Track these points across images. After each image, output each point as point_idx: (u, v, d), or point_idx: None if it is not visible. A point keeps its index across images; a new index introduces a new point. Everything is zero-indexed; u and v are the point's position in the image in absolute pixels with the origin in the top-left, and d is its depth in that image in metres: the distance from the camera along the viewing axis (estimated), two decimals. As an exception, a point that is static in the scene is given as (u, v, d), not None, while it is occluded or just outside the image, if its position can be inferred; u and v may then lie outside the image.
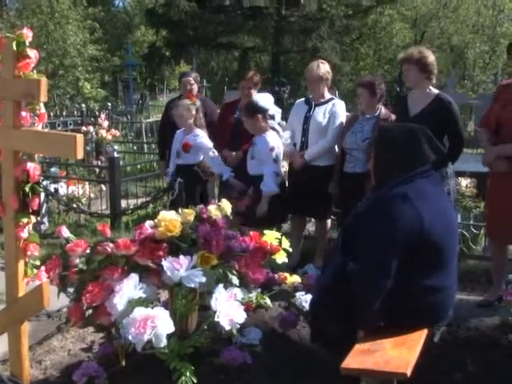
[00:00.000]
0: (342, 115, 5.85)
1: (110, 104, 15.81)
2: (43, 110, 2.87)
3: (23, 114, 2.83)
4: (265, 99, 5.42)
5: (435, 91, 5.00)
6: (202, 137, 5.93)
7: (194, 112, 6.00)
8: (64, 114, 15.96)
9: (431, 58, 4.96)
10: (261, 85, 6.46)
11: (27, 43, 2.82)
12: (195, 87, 6.70)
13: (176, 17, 24.54)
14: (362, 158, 5.34)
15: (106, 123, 11.86)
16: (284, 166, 8.39)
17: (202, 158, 5.97)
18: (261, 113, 5.32)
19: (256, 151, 5.35)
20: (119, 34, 40.84)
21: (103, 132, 11.33)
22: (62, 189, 8.37)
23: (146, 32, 36.99)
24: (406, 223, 3.11)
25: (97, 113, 14.68)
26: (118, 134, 12.58)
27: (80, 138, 2.54)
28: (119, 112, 20.43)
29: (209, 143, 5.92)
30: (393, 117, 5.48)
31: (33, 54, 2.83)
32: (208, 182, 6.38)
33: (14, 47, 2.79)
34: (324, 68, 5.89)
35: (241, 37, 26.85)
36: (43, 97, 2.70)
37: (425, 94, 4.95)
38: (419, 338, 3.19)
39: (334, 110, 5.83)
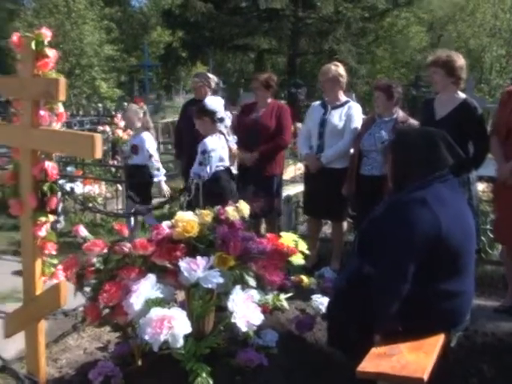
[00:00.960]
0: (358, 118, 5.83)
1: (126, 104, 15.83)
2: (62, 110, 2.87)
3: (42, 113, 2.83)
4: (214, 102, 5.53)
5: (462, 96, 4.91)
6: (146, 139, 6.35)
7: (141, 115, 6.49)
8: (80, 113, 16.03)
9: (460, 62, 4.85)
10: (276, 87, 6.44)
11: (46, 43, 2.83)
12: (204, 88, 6.70)
13: (192, 18, 24.60)
14: (380, 160, 5.31)
15: (122, 123, 11.85)
16: (300, 169, 8.41)
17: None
18: (208, 115, 5.44)
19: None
20: (135, 35, 40.97)
21: (119, 132, 11.33)
22: (78, 188, 8.41)
23: (163, 33, 37.08)
24: (424, 227, 3.08)
25: (113, 112, 14.70)
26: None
27: (98, 137, 2.53)
28: (135, 112, 20.48)
29: (149, 146, 6.36)
30: (410, 120, 5.45)
31: (52, 53, 2.84)
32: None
33: (33, 46, 2.79)
34: (338, 70, 5.88)
35: (257, 38, 26.88)
36: (62, 96, 2.70)
37: (451, 98, 4.87)
38: (436, 342, 3.16)
39: (350, 113, 5.81)
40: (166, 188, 6.59)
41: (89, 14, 24.08)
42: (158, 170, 6.43)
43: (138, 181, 6.50)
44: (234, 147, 5.72)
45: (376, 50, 34.18)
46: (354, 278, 3.33)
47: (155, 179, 6.44)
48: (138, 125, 6.52)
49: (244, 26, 25.17)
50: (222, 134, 5.51)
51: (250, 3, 26.39)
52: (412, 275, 3.10)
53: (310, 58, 30.47)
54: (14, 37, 2.88)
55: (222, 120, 5.50)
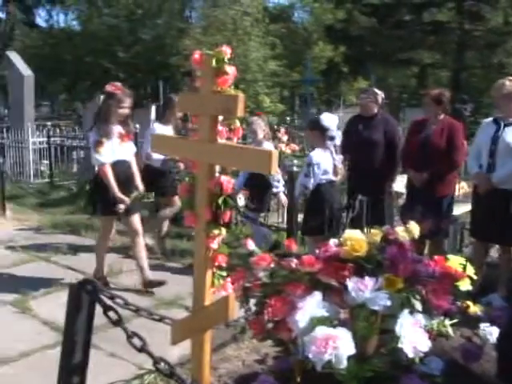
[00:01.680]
0: None
1: (288, 118, 16.06)
2: (238, 125, 2.94)
3: (219, 128, 2.91)
4: (329, 120, 5.80)
5: None
6: None
7: (263, 127, 7.01)
8: (244, 127, 16.40)
9: None
10: (448, 103, 6.25)
11: (226, 60, 2.90)
12: (372, 104, 6.66)
13: (355, 32, 24.62)
14: None
15: (285, 137, 12.00)
16: (463, 187, 8.08)
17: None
18: (319, 130, 5.78)
19: None
20: (298, 50, 41.57)
21: (282, 146, 11.48)
22: (241, 200, 8.59)
23: (324, 47, 37.34)
24: None
25: (275, 127, 14.94)
26: (296, 148, 12.71)
27: (275, 153, 2.55)
28: (297, 126, 20.69)
29: None
30: None
31: (231, 70, 2.91)
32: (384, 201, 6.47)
33: (214, 64, 2.88)
34: None
35: (420, 53, 26.33)
36: (240, 112, 2.75)
37: None
38: None
39: (526, 131, 5.53)
40: (284, 199, 6.85)
41: (254, 31, 24.74)
42: (278, 181, 6.76)
43: (257, 188, 6.70)
44: (340, 166, 5.89)
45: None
46: (530, 309, 3.12)
47: (274, 190, 6.80)
48: (261, 136, 6.92)
49: (408, 39, 24.77)
50: (330, 151, 5.79)
51: (415, 16, 25.92)
52: None
53: (477, 73, 29.34)
54: (196, 54, 2.98)
55: (332, 138, 5.78)
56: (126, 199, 5.80)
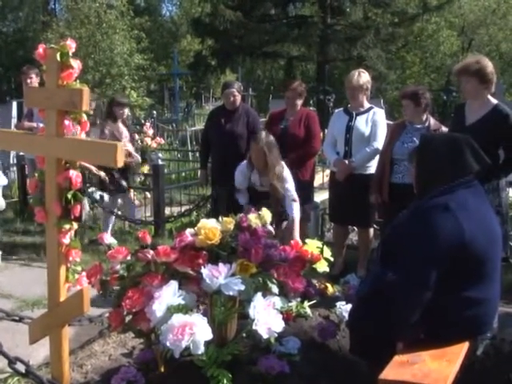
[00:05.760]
0: (384, 123, 5.87)
1: (155, 112, 15.93)
2: (85, 119, 2.92)
3: (66, 122, 2.88)
4: None
5: (494, 102, 4.80)
6: None
7: None
8: (111, 121, 16.09)
9: (490, 67, 4.72)
10: (306, 94, 6.48)
11: (71, 54, 2.87)
12: (238, 98, 6.72)
13: (221, 26, 24.66)
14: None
15: (151, 131, 11.94)
16: (328, 175, 8.41)
17: None
18: None
19: None
20: (166, 43, 41.27)
21: (148, 140, 11.42)
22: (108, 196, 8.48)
23: (192, 41, 37.28)
24: (447, 235, 3.04)
25: (142, 121, 14.80)
26: (162, 141, 12.67)
27: (120, 146, 2.56)
28: (165, 120, 20.58)
29: None
30: (443, 128, 5.41)
31: (76, 64, 2.88)
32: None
33: (58, 58, 2.84)
34: (364, 77, 5.90)
35: (286, 46, 26.83)
36: (85, 106, 2.74)
37: (482, 103, 4.79)
38: (460, 350, 3.11)
39: (375, 119, 5.86)
40: None
41: (119, 25, 24.25)
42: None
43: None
44: None
45: (406, 56, 33.98)
46: (377, 285, 3.31)
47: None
48: None
49: (273, 33, 25.12)
50: None
51: (279, 10, 26.38)
52: (434, 282, 3.06)
53: (339, 65, 30.38)
54: (40, 48, 2.93)
55: None
56: None
